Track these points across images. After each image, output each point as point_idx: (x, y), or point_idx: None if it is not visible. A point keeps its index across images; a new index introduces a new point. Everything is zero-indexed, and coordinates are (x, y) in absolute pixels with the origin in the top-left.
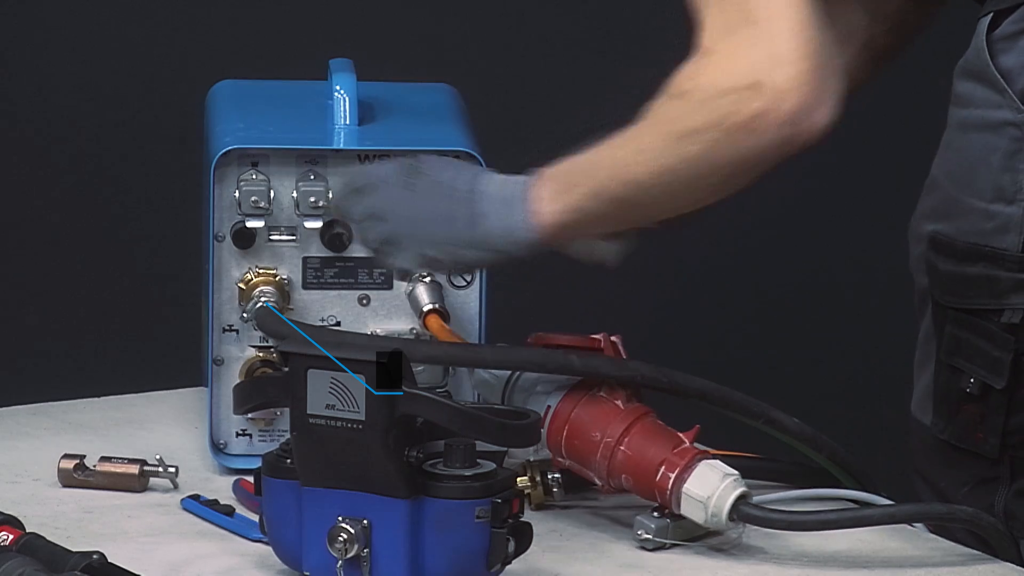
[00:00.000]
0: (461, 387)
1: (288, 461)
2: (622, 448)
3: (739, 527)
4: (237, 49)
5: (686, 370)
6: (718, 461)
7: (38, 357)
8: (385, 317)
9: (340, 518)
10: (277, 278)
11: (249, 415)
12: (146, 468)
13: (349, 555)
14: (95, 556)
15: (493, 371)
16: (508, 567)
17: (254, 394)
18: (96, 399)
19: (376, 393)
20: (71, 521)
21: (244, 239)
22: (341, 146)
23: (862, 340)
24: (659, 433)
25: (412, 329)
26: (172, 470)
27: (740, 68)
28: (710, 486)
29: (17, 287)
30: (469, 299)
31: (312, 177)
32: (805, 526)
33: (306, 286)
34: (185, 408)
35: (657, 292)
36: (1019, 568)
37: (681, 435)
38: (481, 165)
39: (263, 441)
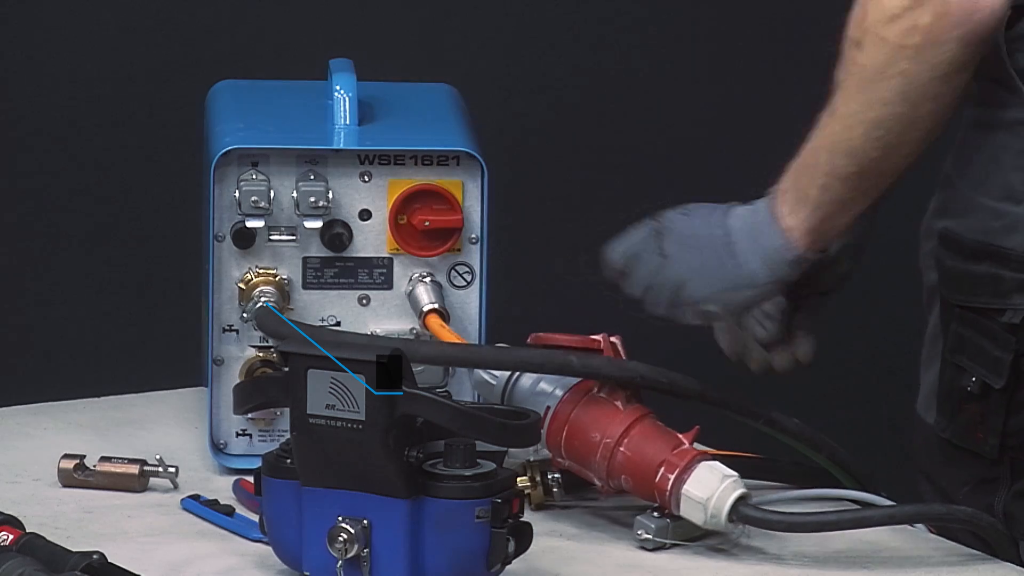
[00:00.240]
0: (461, 387)
1: (288, 461)
2: (622, 449)
3: (739, 528)
4: (237, 49)
5: (686, 371)
6: (717, 462)
7: (38, 357)
8: (385, 317)
9: (340, 518)
10: (277, 278)
11: (249, 415)
12: (146, 468)
13: (349, 555)
14: (95, 556)
15: (493, 371)
16: (508, 567)
17: (254, 394)
18: (96, 399)
19: (376, 393)
20: (71, 521)
21: (244, 239)
22: (341, 146)
23: (862, 340)
24: (658, 434)
25: (412, 329)
26: (172, 470)
27: None
28: (709, 487)
29: (17, 287)
30: (469, 299)
31: (312, 177)
32: (804, 527)
33: (306, 286)
34: (185, 408)
35: None
36: (1019, 568)
37: (681, 436)
38: (482, 166)
39: (263, 441)
